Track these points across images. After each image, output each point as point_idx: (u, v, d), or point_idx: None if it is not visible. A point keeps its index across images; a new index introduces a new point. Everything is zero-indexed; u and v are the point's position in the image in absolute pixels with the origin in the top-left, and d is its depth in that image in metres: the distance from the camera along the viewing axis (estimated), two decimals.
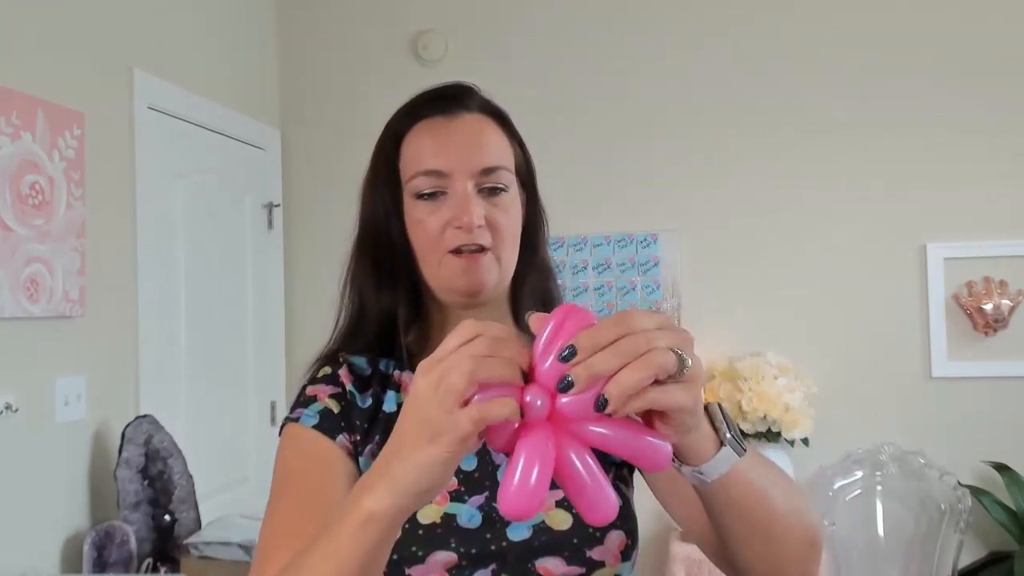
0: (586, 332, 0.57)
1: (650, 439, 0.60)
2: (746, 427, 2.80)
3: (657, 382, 0.58)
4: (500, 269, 0.93)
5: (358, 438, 0.90)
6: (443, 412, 0.58)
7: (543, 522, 0.87)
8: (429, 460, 0.59)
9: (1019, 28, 2.88)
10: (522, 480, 0.57)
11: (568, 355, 0.56)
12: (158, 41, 2.63)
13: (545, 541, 0.86)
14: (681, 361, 0.58)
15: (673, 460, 0.70)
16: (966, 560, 2.78)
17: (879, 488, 2.85)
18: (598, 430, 0.59)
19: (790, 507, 0.77)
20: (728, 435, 0.70)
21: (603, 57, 3.17)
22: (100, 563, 2.13)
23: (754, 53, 3.06)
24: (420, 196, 0.92)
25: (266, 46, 3.34)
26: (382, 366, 0.97)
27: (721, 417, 0.71)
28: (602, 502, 0.60)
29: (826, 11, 3.02)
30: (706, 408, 0.70)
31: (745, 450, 0.71)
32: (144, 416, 2.33)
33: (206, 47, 2.91)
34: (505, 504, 0.58)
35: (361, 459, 0.90)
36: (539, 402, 0.58)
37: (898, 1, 2.97)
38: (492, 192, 0.92)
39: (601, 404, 0.56)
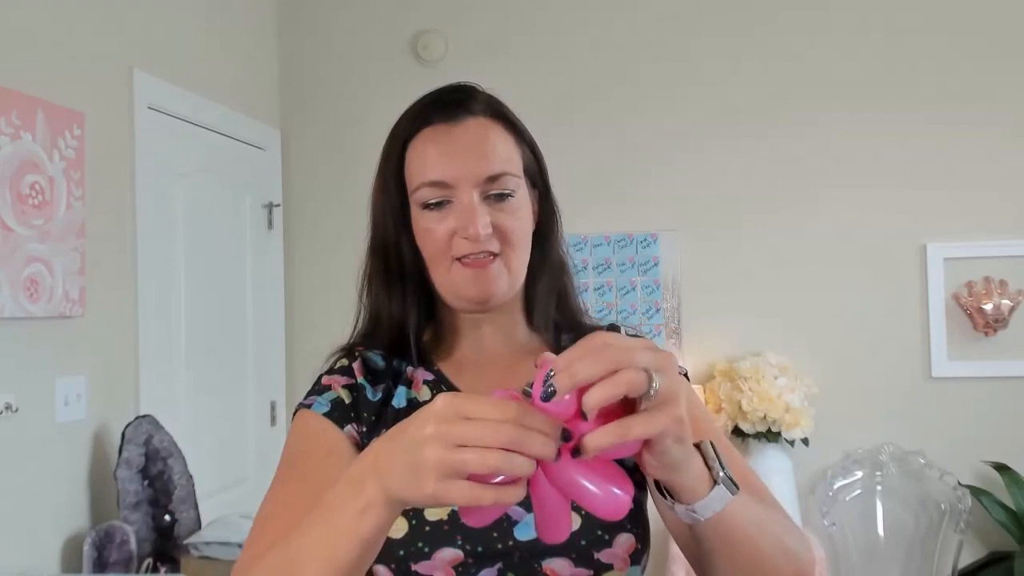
0: (563, 355, 0.59)
1: (614, 489, 0.61)
2: (746, 427, 2.80)
3: (633, 409, 0.59)
4: (509, 276, 0.93)
5: (364, 430, 0.91)
6: (439, 471, 0.58)
7: None
8: (409, 489, 0.60)
9: (1019, 29, 2.89)
10: (553, 521, 0.63)
11: (551, 394, 0.58)
12: (158, 41, 2.63)
13: None
14: (650, 380, 0.58)
15: (668, 497, 0.71)
16: (966, 560, 2.78)
17: (879, 488, 2.85)
18: (572, 476, 0.61)
19: (780, 548, 0.78)
20: (721, 473, 0.69)
21: (603, 57, 3.17)
22: (100, 563, 2.13)
23: (754, 54, 3.06)
24: (427, 206, 0.92)
25: (266, 46, 3.34)
26: (396, 362, 0.98)
27: (714, 455, 0.70)
28: (558, 526, 0.64)
29: (826, 12, 3.02)
30: (698, 447, 0.70)
31: (738, 488, 0.71)
32: (144, 416, 2.33)
33: (206, 47, 2.91)
34: (547, 538, 0.64)
35: None
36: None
37: (899, 2, 2.97)
38: (499, 198, 0.92)
39: (577, 452, 0.58)
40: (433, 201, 0.91)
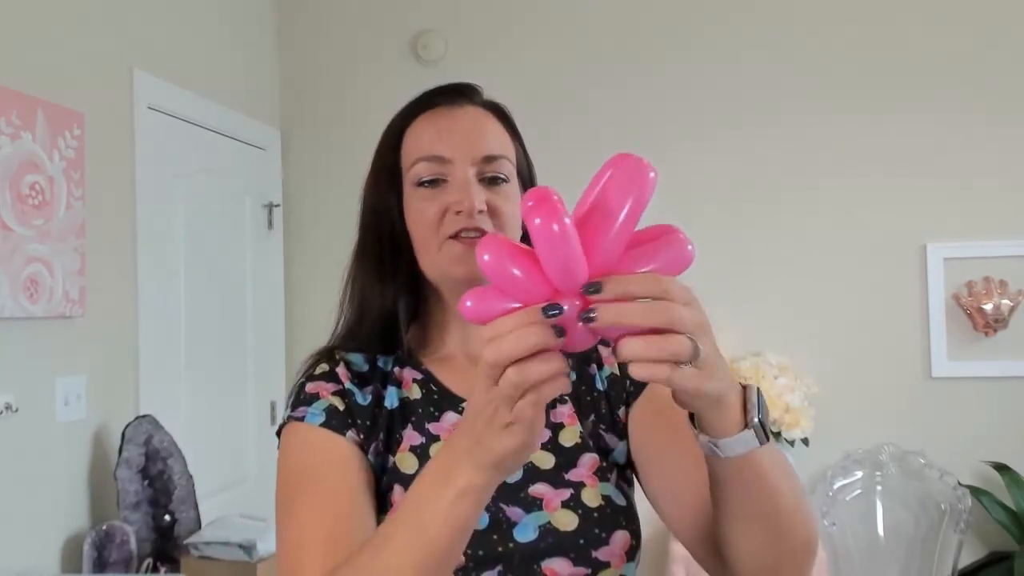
0: (619, 278, 0.59)
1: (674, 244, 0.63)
2: None
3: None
4: None
5: (362, 436, 0.90)
6: (515, 387, 0.60)
7: (549, 523, 0.87)
8: (509, 446, 0.63)
9: (1018, 30, 2.89)
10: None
11: (594, 290, 0.58)
12: (158, 41, 2.63)
13: (552, 542, 0.86)
14: (695, 351, 0.59)
15: (693, 427, 0.70)
16: (966, 560, 2.78)
17: (879, 488, 2.85)
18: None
19: (797, 505, 0.76)
20: (756, 419, 0.68)
21: (603, 57, 3.17)
22: (100, 563, 2.13)
23: (754, 53, 3.06)
24: (421, 183, 0.92)
25: (266, 46, 3.34)
26: (380, 363, 0.96)
27: (756, 401, 0.69)
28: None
29: (826, 13, 3.02)
30: (746, 387, 0.70)
31: (768, 439, 0.69)
32: (144, 416, 2.33)
33: (206, 47, 2.91)
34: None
35: (369, 457, 0.89)
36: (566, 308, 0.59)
37: (898, 2, 2.97)
38: (493, 181, 0.92)
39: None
40: (427, 179, 0.91)
